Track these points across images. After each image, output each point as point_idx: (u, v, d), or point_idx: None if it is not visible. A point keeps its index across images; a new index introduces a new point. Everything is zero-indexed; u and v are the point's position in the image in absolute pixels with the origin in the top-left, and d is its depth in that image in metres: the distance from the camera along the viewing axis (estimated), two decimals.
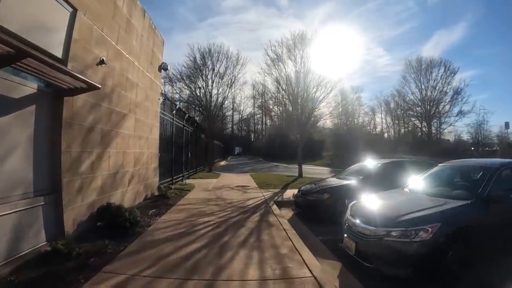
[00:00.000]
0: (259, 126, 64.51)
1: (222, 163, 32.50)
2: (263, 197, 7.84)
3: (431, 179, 4.68)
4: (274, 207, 6.63)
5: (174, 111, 9.60)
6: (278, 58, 14.45)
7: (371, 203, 3.86)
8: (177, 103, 16.00)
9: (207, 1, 62.58)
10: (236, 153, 56.14)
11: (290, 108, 15.14)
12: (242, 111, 29.32)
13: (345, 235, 3.54)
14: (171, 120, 9.26)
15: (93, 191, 4.46)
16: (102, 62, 4.74)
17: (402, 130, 45.92)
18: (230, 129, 56.95)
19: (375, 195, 4.29)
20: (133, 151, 5.94)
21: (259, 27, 68.15)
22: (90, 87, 3.70)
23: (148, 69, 6.86)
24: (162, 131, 8.37)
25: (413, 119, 40.50)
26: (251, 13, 65.98)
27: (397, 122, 46.39)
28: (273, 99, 15.39)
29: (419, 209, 3.30)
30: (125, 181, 5.58)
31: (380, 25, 64.01)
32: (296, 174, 14.57)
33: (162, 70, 8.05)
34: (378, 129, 48.39)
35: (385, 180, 6.23)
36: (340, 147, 30.86)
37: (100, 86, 3.84)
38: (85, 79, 3.50)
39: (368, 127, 47.32)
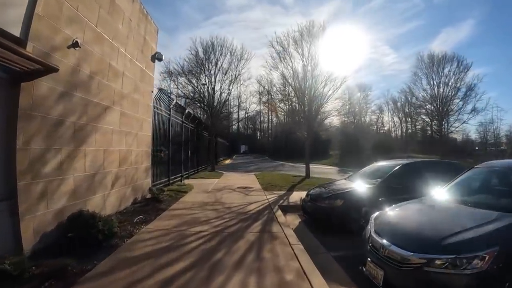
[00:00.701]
0: (265, 125, 64.79)
1: (227, 161, 31.95)
2: (266, 201, 7.11)
3: (469, 185, 3.85)
4: (279, 213, 5.89)
5: (171, 106, 8.93)
6: (284, 50, 13.66)
7: (401, 217, 3.08)
8: (179, 99, 15.35)
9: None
10: (242, 151, 55.96)
11: (297, 105, 14.35)
12: (248, 109, 28.57)
13: (369, 258, 2.77)
14: (168, 116, 8.60)
15: (63, 196, 3.80)
16: (75, 44, 4.09)
17: (410, 129, 45.07)
18: (235, 126, 57.47)
19: (404, 205, 3.49)
20: (118, 149, 5.29)
21: (264, 25, 67.08)
22: (48, 69, 3.03)
23: (138, 58, 6.20)
24: (157, 128, 7.72)
25: (424, 116, 39.17)
26: (256, 11, 64.99)
27: (404, 120, 45.74)
28: (280, 94, 14.53)
29: (467, 227, 2.51)
30: (107, 183, 4.92)
31: (386, 23, 62.87)
32: (303, 174, 13.80)
33: (156, 61, 7.37)
34: (386, 128, 48.24)
35: (407, 184, 5.45)
36: (348, 146, 30.40)
37: (58, 67, 3.17)
38: (37, 58, 2.82)
39: (376, 126, 46.83)
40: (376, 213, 3.41)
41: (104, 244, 3.76)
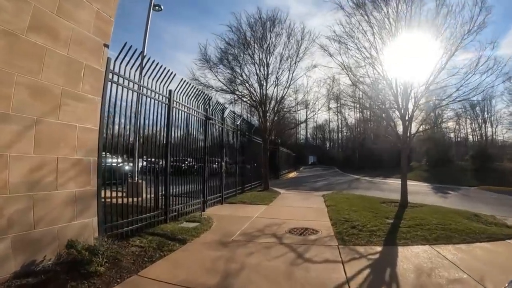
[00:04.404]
0: (334, 134, 63.36)
1: (292, 174, 28.14)
2: None
3: None
4: None
5: (176, 89, 5.66)
6: (359, 7, 8.92)
7: None
8: (217, 94, 12.31)
9: (272, 10, 60.19)
10: (310, 162, 55.13)
11: (382, 87, 9.38)
12: (317, 115, 23.70)
13: None
14: (166, 102, 5.32)
15: None
16: None
17: (492, 135, 39.72)
18: (303, 136, 57.26)
19: None
20: None
21: (327, 33, 62.47)
22: None
23: None
24: (129, 118, 4.48)
25: None
26: (317, 18, 60.97)
27: (483, 126, 40.88)
28: (356, 76, 9.65)
29: None
30: None
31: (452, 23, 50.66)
32: (391, 195, 10.06)
33: None
34: (463, 136, 44.09)
35: None
36: (437, 156, 26.06)
37: None
38: None
39: (454, 134, 43.32)
40: None
41: None
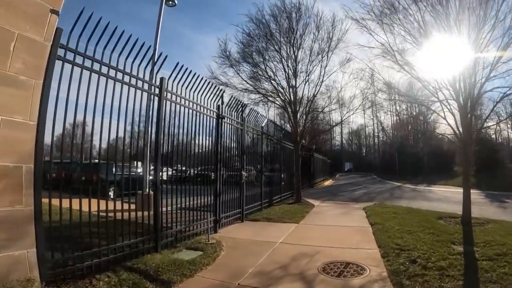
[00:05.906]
0: (370, 140, 62.84)
1: (327, 182, 26.29)
2: None
3: None
4: None
5: (164, 77, 4.56)
6: None
7: None
8: (240, 93, 11.10)
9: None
10: (346, 169, 54.21)
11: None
12: (354, 114, 21.10)
13: None
14: (154, 93, 4.21)
15: None
16: None
17: None
18: (338, 142, 57.18)
19: None
20: None
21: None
22: None
23: None
24: (95, 113, 3.42)
25: None
26: (344, 24, 57.93)
27: None
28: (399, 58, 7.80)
29: None
30: None
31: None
32: (444, 206, 9.20)
33: None
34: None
35: None
36: (486, 160, 23.69)
37: None
38: None
39: (495, 135, 39.61)
40: None
41: None
